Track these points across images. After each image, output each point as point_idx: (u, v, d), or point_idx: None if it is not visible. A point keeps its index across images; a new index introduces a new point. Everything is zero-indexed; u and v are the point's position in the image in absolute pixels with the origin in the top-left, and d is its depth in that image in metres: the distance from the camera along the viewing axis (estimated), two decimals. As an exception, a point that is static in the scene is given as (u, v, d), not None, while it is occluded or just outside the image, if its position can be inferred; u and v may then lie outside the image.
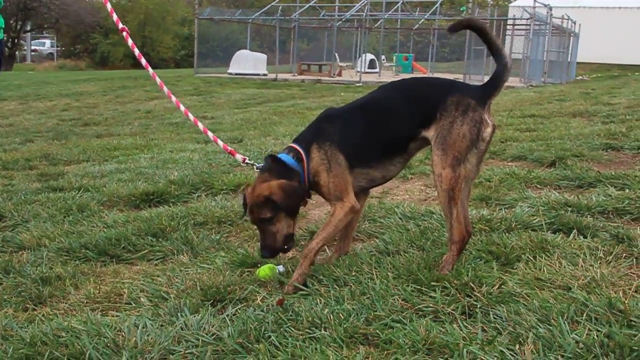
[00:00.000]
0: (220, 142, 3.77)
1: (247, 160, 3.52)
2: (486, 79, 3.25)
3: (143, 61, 4.02)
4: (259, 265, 3.28)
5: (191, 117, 3.95)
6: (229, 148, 3.67)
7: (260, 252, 3.07)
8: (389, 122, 3.10)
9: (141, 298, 2.95)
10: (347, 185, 3.06)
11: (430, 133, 3.03)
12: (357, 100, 3.28)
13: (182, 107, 4.04)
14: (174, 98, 4.03)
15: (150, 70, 4.03)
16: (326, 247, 3.64)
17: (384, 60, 31.39)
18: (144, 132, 10.08)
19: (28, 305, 2.98)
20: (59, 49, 56.14)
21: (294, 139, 3.20)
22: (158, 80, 3.99)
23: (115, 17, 4.16)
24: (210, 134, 3.85)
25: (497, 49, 3.04)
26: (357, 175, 3.11)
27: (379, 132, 3.09)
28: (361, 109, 3.17)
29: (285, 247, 3.06)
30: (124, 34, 4.12)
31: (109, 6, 4.11)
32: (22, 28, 48.03)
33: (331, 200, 3.09)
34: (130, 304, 2.91)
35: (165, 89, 4.00)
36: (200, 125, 3.92)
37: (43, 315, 2.82)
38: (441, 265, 2.99)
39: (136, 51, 4.04)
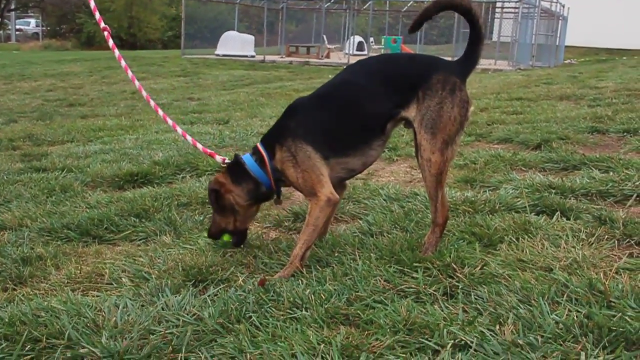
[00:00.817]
0: (199, 146, 3.64)
1: (226, 161, 3.34)
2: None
3: (122, 63, 3.94)
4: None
5: (170, 121, 3.79)
6: (208, 150, 3.57)
7: None
8: (363, 104, 2.93)
9: (122, 278, 2.93)
10: (320, 178, 2.89)
11: (410, 113, 2.89)
12: (326, 83, 3.12)
13: (160, 112, 3.88)
14: (152, 103, 3.94)
15: (130, 72, 3.91)
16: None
17: (372, 42, 31.26)
18: (129, 113, 10.02)
19: (8, 285, 2.95)
20: (44, 28, 55.54)
21: (261, 137, 3.13)
22: (137, 83, 3.88)
23: (97, 15, 4.06)
24: (189, 138, 3.76)
25: (475, 18, 2.91)
26: (334, 166, 2.95)
27: (352, 116, 2.94)
28: (328, 95, 3.02)
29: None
30: (105, 33, 4.02)
31: (92, 4, 4.00)
32: (6, 7, 47.45)
33: (306, 195, 2.98)
34: (112, 284, 2.89)
35: (144, 92, 3.90)
36: (179, 130, 3.80)
37: (23, 295, 2.79)
38: (424, 247, 2.97)
39: (116, 52, 3.95)
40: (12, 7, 50.71)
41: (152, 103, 3.86)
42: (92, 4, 4.01)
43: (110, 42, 3.93)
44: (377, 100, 2.92)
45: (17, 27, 55.83)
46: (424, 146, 2.85)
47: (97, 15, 4.00)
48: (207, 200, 4.15)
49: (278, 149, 2.97)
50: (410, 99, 2.89)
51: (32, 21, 57.61)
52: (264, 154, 3.02)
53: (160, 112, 3.84)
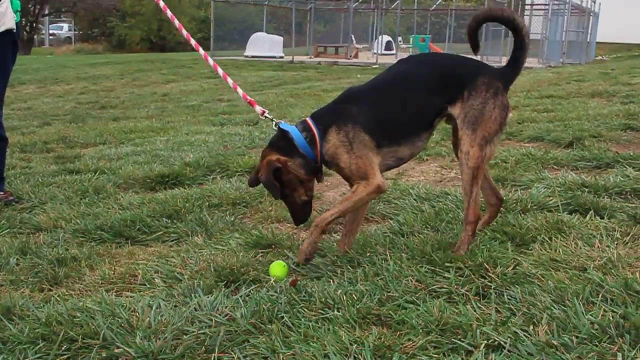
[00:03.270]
0: (240, 91, 3.56)
1: (266, 114, 3.30)
2: (504, 60, 3.23)
3: (176, 22, 3.87)
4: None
5: (220, 71, 3.76)
6: (249, 98, 3.47)
7: None
8: (418, 96, 3.01)
9: (155, 279, 2.96)
10: (372, 165, 2.93)
11: (455, 110, 2.99)
12: (381, 75, 3.14)
13: (210, 60, 3.88)
14: (201, 51, 3.86)
15: (185, 32, 3.85)
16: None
17: (400, 41, 31.16)
18: (160, 115, 10.11)
19: (44, 286, 3.00)
20: (76, 32, 56.31)
21: (312, 114, 3.06)
22: (184, 32, 3.83)
23: None
24: (229, 80, 3.64)
25: (519, 27, 3.03)
26: (385, 155, 3.00)
27: (408, 107, 3.00)
28: (388, 85, 3.05)
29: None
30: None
31: None
32: (40, 12, 48.18)
33: (355, 179, 2.95)
34: (145, 284, 2.93)
35: (192, 41, 3.86)
36: (220, 71, 3.67)
37: (58, 295, 2.84)
38: (457, 246, 2.98)
39: (169, 13, 3.93)
40: (46, 12, 51.48)
41: (201, 51, 3.82)
42: None
43: (162, 4, 3.92)
44: (431, 93, 3.01)
45: (51, 31, 56.67)
46: (464, 140, 2.96)
47: None
48: (237, 201, 4.19)
49: (334, 131, 2.93)
50: (457, 97, 3.00)
51: (65, 25, 58.41)
52: (316, 133, 2.95)
53: (211, 61, 3.83)
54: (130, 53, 40.02)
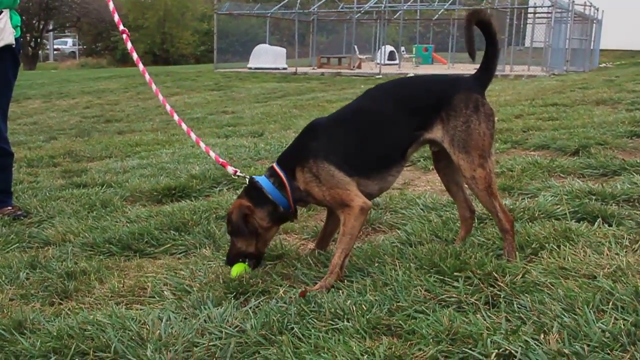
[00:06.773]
0: (212, 154, 3.72)
1: (238, 173, 3.50)
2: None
3: (140, 66, 4.03)
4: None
5: (184, 126, 3.94)
6: (221, 160, 3.66)
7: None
8: (383, 131, 2.96)
9: (164, 291, 2.97)
10: (347, 189, 2.90)
11: (436, 134, 2.95)
12: (343, 108, 3.15)
13: (176, 117, 4.05)
14: (168, 107, 4.05)
15: (147, 76, 4.02)
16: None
17: (403, 51, 31.22)
18: (165, 128, 10.16)
19: (54, 300, 3.01)
20: (80, 47, 56.62)
21: (278, 158, 3.12)
22: (154, 87, 4.02)
23: (116, 17, 4.15)
24: (202, 145, 3.84)
25: (494, 32, 3.02)
26: (357, 184, 2.96)
27: (373, 142, 2.97)
28: (348, 120, 3.04)
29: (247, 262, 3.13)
30: (124, 36, 4.12)
31: (111, 5, 4.11)
32: (44, 27, 48.51)
33: (337, 209, 2.96)
34: (154, 297, 2.93)
35: (160, 96, 4.05)
36: (193, 136, 3.88)
37: (69, 309, 2.85)
38: (506, 257, 2.96)
39: (134, 55, 4.04)
40: (50, 27, 51.81)
41: (160, 97, 3.97)
42: (112, 5, 4.10)
43: (129, 45, 4.01)
44: (396, 126, 2.97)
45: (55, 46, 57.11)
46: (463, 166, 2.92)
47: (116, 17, 4.09)
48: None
49: (299, 171, 2.97)
50: (432, 121, 2.95)
51: (69, 40, 58.81)
52: (283, 176, 3.01)
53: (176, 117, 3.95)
54: (134, 67, 40.20)
